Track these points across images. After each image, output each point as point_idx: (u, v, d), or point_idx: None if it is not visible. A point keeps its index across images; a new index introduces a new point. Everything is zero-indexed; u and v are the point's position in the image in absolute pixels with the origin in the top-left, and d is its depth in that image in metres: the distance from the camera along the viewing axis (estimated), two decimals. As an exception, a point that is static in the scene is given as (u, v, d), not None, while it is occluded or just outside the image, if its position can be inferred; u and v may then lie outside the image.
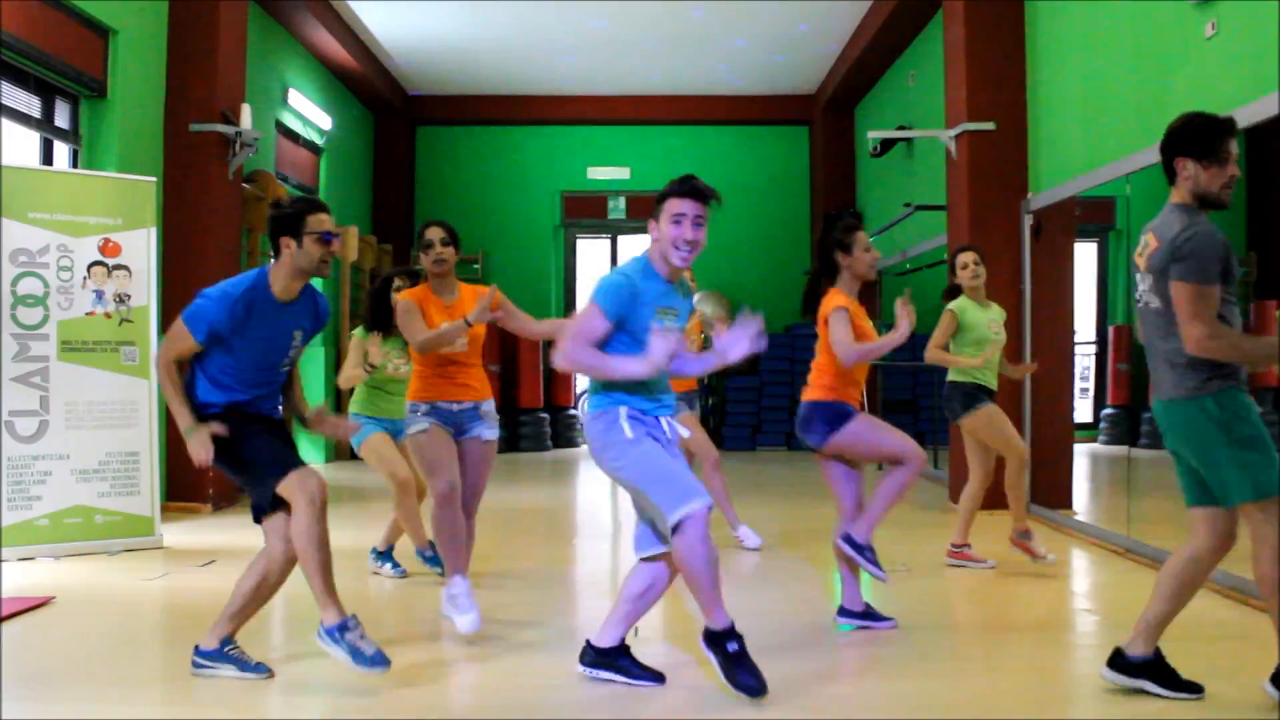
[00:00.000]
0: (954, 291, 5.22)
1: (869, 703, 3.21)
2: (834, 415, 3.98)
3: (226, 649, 3.31)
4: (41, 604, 4.34)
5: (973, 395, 5.07)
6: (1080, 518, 6.53)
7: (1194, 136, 2.99)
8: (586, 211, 13.09)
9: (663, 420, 3.20)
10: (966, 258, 5.20)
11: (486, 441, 4.12)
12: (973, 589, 4.76)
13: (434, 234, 4.06)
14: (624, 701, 3.21)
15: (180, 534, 6.06)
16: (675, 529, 3.01)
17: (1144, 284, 3.07)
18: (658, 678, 3.28)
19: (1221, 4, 4.94)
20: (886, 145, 10.02)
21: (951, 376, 5.17)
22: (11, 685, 3.27)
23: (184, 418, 3.21)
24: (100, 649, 3.75)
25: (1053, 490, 6.77)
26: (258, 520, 3.30)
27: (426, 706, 3.15)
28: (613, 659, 3.28)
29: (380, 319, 4.86)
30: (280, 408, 3.48)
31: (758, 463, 10.93)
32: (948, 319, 5.09)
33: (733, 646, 3.11)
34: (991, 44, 7.13)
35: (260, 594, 3.32)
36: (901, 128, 9.82)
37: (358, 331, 4.97)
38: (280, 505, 3.22)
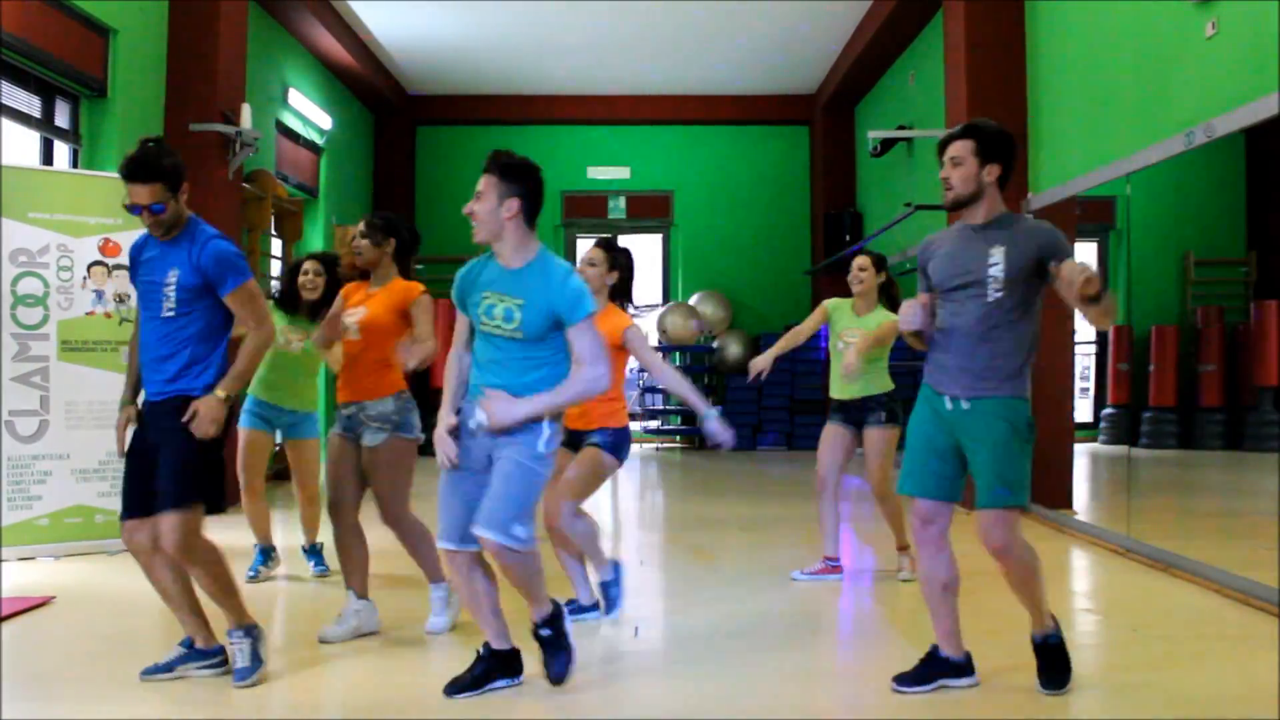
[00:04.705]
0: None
1: (868, 702, 3.21)
2: None
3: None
4: (41, 604, 4.34)
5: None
6: (1080, 517, 6.53)
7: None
8: (586, 211, 13.09)
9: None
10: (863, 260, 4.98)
11: (368, 448, 3.83)
12: (972, 590, 4.75)
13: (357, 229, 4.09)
14: (625, 702, 3.21)
15: (180, 534, 6.05)
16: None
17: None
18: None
19: (1221, 4, 4.93)
20: (886, 145, 10.01)
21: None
22: (11, 685, 3.27)
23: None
24: (100, 649, 3.74)
25: (1053, 490, 6.77)
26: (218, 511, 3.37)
27: (428, 706, 3.15)
28: None
29: (287, 298, 4.90)
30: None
31: (758, 462, 10.94)
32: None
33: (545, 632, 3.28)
34: (991, 44, 7.13)
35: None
36: (901, 128, 9.82)
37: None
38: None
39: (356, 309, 3.89)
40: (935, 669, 3.25)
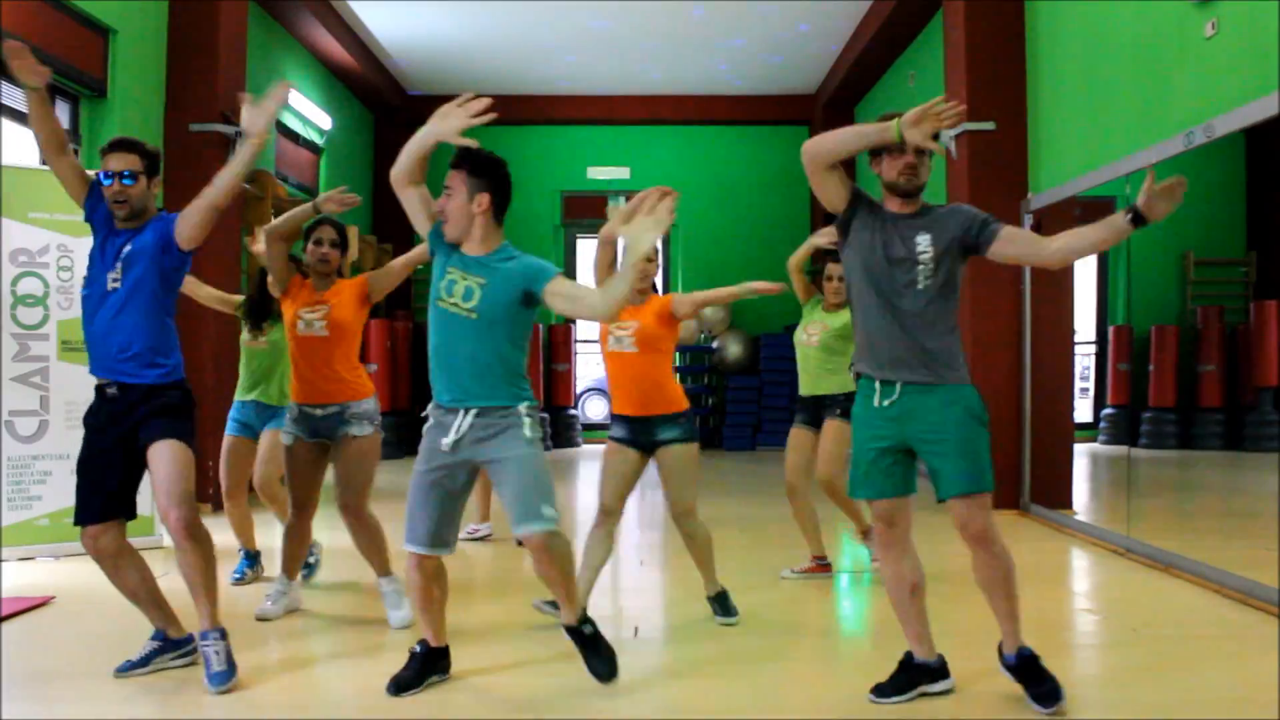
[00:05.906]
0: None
1: (866, 702, 3.20)
2: None
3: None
4: (41, 604, 4.34)
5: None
6: (1080, 518, 6.53)
7: None
8: (586, 211, 13.09)
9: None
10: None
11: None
12: (973, 589, 4.75)
13: (326, 233, 4.40)
14: (624, 701, 3.21)
15: (180, 534, 6.05)
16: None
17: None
18: None
19: (1221, 4, 4.94)
20: (886, 145, 10.00)
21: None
22: (11, 685, 3.28)
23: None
24: (100, 649, 3.74)
25: (1053, 490, 6.77)
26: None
27: (431, 706, 3.15)
28: None
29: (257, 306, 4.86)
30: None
31: (757, 462, 10.93)
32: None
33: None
34: (991, 44, 7.14)
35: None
36: (901, 128, 9.81)
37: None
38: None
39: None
40: (913, 676, 3.21)
